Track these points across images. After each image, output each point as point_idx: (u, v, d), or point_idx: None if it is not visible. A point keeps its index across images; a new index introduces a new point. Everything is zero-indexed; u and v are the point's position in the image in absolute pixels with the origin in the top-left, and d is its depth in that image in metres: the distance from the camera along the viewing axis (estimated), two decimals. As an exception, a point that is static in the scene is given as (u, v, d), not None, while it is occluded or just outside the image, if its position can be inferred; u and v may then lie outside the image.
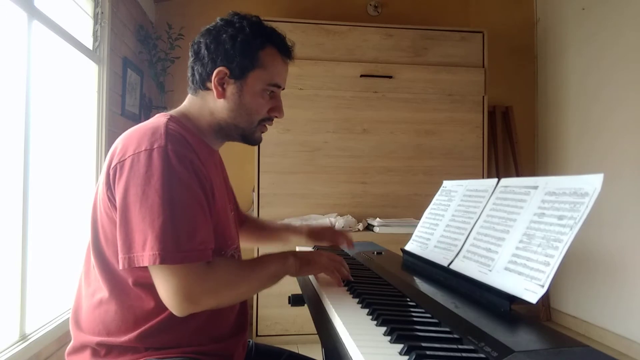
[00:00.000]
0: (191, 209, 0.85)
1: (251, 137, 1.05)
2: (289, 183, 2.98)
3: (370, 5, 3.47)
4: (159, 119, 0.95)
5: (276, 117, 1.05)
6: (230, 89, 0.99)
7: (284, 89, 1.06)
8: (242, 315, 1.06)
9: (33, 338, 1.70)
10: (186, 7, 3.30)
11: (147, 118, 3.11)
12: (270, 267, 0.97)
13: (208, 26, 1.01)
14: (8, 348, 1.57)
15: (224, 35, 0.97)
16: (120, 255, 0.83)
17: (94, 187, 0.98)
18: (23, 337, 1.67)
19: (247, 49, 0.97)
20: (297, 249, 1.41)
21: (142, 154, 0.85)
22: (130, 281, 0.90)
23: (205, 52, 0.98)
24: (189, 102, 1.04)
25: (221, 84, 0.98)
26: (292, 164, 2.98)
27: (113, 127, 2.53)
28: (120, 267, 0.84)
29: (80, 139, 2.26)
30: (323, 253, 1.09)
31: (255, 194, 2.99)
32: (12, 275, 1.63)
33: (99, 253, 0.93)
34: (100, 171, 0.95)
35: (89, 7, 2.33)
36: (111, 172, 0.87)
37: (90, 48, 2.32)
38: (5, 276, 1.61)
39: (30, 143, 1.70)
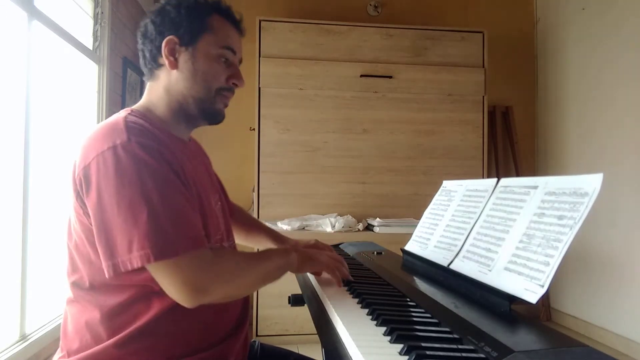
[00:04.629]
0: (171, 198, 0.80)
1: (212, 109, 0.99)
2: (289, 183, 2.98)
3: (370, 5, 3.47)
4: (117, 115, 0.92)
5: (235, 85, 1.00)
6: (183, 57, 0.96)
7: (241, 60, 1.03)
8: (243, 313, 1.03)
9: (33, 338, 1.70)
10: (186, 7, 3.30)
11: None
12: (275, 260, 0.96)
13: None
14: (8, 348, 1.57)
15: (168, 7, 0.97)
16: (104, 264, 0.79)
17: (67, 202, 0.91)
18: (23, 337, 1.67)
19: (193, 14, 0.96)
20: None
21: (106, 153, 0.80)
22: (110, 284, 0.85)
23: (152, 27, 0.97)
24: (147, 91, 1.02)
25: (172, 54, 0.95)
26: (292, 164, 2.98)
27: (113, 127, 2.52)
28: (107, 275, 0.79)
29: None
30: (324, 251, 1.09)
31: (255, 194, 2.98)
32: (12, 275, 1.63)
33: (80, 254, 0.88)
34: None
35: (89, 7, 2.33)
36: (77, 181, 0.83)
37: (90, 48, 2.32)
38: (5, 276, 1.61)
39: (30, 143, 1.70)
